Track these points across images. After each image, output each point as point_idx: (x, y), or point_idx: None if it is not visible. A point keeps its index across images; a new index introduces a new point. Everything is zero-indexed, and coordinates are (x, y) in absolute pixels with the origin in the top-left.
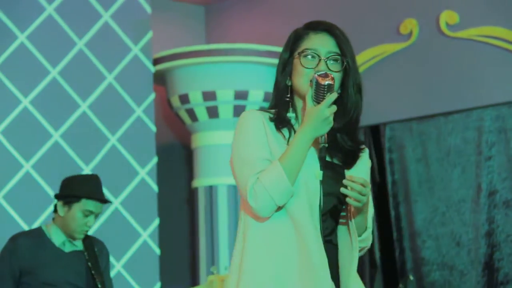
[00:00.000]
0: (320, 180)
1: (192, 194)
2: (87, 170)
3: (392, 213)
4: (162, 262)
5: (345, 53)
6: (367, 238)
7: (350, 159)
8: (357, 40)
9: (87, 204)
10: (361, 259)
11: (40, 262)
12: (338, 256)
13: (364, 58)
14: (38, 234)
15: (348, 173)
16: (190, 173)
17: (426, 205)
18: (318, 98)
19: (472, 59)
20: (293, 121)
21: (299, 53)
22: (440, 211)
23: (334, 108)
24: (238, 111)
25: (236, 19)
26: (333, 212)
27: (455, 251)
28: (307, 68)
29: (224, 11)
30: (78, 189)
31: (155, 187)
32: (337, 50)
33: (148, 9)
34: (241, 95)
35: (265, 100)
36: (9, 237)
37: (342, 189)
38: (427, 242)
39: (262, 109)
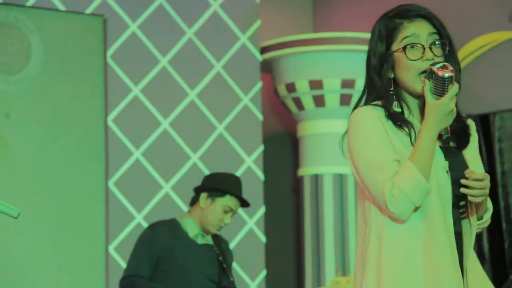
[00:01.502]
0: (447, 171)
1: (297, 183)
2: (194, 158)
3: (502, 203)
4: (267, 250)
5: (444, 36)
6: (488, 220)
7: (463, 139)
8: (467, 28)
9: (230, 200)
10: None
11: (177, 250)
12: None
13: (474, 46)
14: (174, 224)
15: (464, 153)
16: (296, 162)
17: None
18: (438, 90)
19: None
20: (406, 115)
21: (403, 47)
22: None
23: (455, 99)
24: (344, 99)
25: (343, 7)
26: (458, 200)
27: None
28: (414, 60)
29: None
30: (225, 184)
31: (261, 175)
32: (436, 33)
33: None
34: (348, 83)
35: None
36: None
37: (462, 190)
38: None
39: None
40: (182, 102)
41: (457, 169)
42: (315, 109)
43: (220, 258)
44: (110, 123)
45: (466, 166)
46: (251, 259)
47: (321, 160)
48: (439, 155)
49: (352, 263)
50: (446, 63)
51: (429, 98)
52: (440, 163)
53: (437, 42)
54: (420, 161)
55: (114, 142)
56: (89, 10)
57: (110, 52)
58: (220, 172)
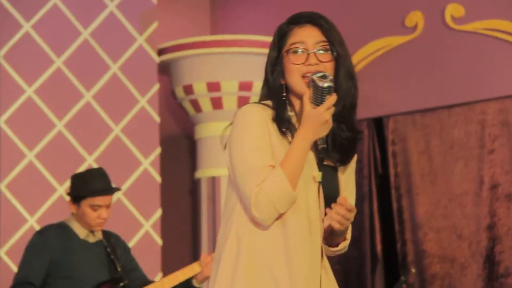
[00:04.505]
0: (319, 181)
1: (194, 185)
2: (90, 160)
3: (394, 205)
4: (164, 253)
5: (333, 41)
6: (344, 248)
7: (345, 155)
8: (361, 33)
9: (93, 200)
10: (362, 251)
11: (69, 253)
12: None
13: (368, 51)
14: (63, 227)
15: (340, 174)
16: (193, 164)
17: (428, 198)
18: (317, 100)
19: (477, 52)
20: (293, 121)
21: (286, 51)
22: (442, 204)
23: (332, 110)
24: (242, 102)
25: (241, 9)
26: (324, 214)
27: (456, 244)
28: (297, 64)
29: (229, 1)
30: (83, 187)
31: (158, 178)
32: (325, 39)
33: None
34: (245, 86)
35: None
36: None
37: (328, 210)
38: (429, 234)
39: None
40: (77, 104)
41: (328, 186)
42: (213, 111)
43: (108, 249)
44: (3, 124)
45: (336, 184)
46: (147, 262)
47: (218, 162)
48: (313, 165)
49: None
50: (326, 73)
51: (307, 106)
52: (311, 173)
53: (323, 49)
54: (289, 169)
55: (7, 143)
56: None
57: (2, 52)
58: (81, 172)
